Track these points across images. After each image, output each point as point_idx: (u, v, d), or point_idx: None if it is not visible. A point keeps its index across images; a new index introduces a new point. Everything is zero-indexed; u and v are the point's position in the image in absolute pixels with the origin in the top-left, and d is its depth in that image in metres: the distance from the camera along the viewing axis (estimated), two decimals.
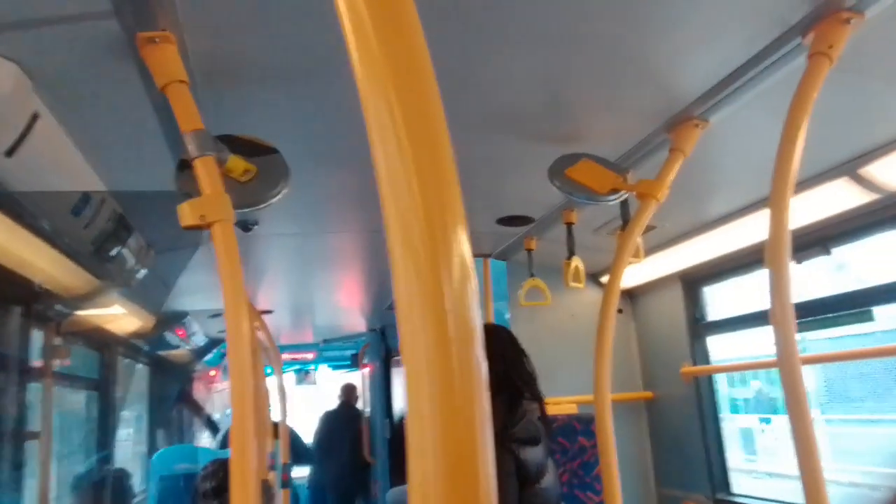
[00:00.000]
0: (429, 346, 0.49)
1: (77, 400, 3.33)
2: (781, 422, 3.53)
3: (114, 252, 2.19)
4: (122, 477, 2.87)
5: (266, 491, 2.90)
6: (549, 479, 2.39)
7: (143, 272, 2.49)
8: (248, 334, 1.34)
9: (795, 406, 1.27)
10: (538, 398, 2.43)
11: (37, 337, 2.46)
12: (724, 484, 3.04)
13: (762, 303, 2.77)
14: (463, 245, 0.49)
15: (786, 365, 1.29)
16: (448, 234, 0.49)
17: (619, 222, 2.11)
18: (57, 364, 2.52)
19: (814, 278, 2.45)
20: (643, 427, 3.43)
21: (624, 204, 2.08)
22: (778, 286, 1.33)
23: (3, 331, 2.24)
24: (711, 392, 3.13)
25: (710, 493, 3.03)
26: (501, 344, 2.53)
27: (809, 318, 2.44)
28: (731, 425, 3.26)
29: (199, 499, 3.17)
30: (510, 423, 2.33)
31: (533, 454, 2.33)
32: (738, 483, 3.10)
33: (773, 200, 1.35)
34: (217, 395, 6.51)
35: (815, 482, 1.23)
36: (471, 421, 0.49)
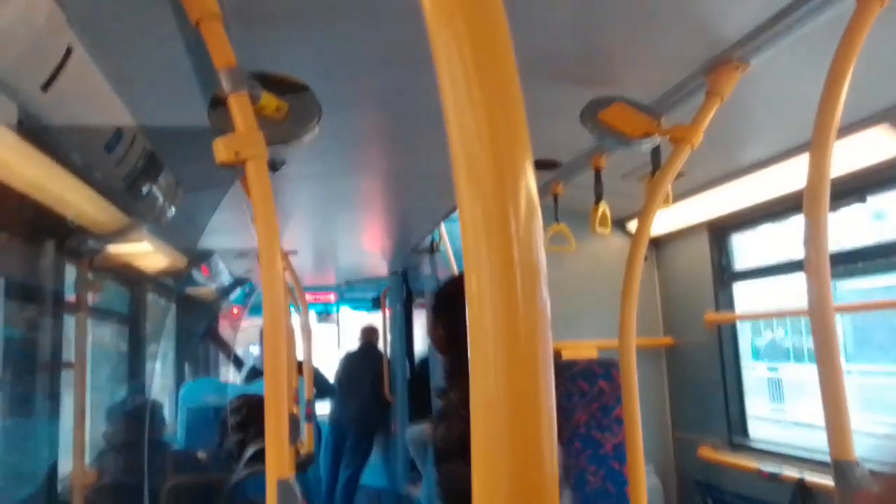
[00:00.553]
0: (494, 281, 0.49)
1: (109, 334, 3.43)
2: (792, 369, 3.54)
3: (145, 190, 2.21)
4: (155, 407, 2.98)
5: (293, 423, 2.99)
6: None
7: (172, 211, 2.51)
8: (282, 272, 1.36)
9: (826, 355, 1.27)
10: None
11: (70, 272, 2.52)
12: (742, 429, 3.08)
13: (790, 251, 2.76)
14: (530, 180, 0.49)
15: (818, 314, 1.29)
16: (516, 168, 0.49)
17: (647, 168, 2.08)
18: (90, 297, 2.58)
19: (849, 227, 2.42)
20: (662, 372, 3.47)
21: (655, 150, 2.05)
22: (815, 234, 1.31)
23: (39, 264, 2.30)
24: (733, 340, 3.14)
25: (727, 437, 3.08)
26: None
27: (841, 267, 2.41)
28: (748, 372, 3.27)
29: (226, 431, 3.29)
30: None
31: None
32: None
33: (815, 146, 1.32)
34: (241, 333, 6.65)
35: (842, 432, 1.24)
36: (534, 354, 0.50)
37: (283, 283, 1.35)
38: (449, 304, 2.70)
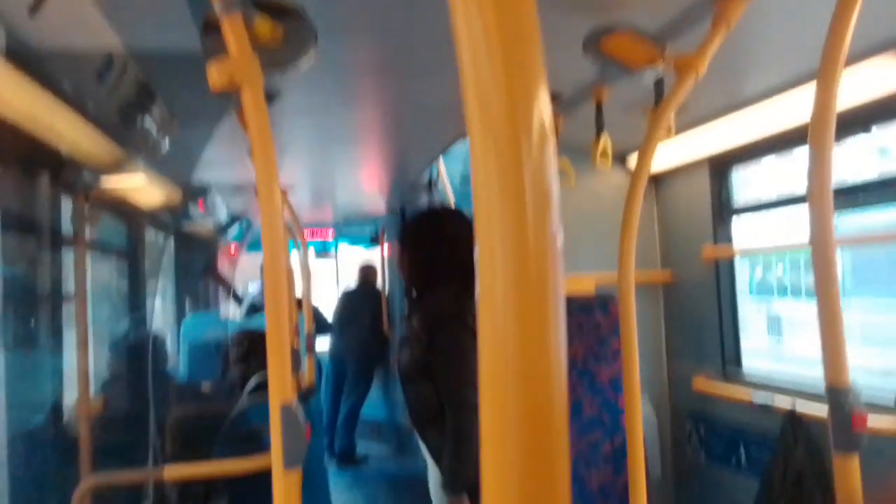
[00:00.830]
0: (504, 215, 0.48)
1: (108, 270, 3.44)
2: (791, 306, 3.58)
3: (138, 120, 2.18)
4: (157, 340, 3.02)
5: (294, 355, 3.04)
6: None
7: (166, 142, 2.48)
8: (280, 202, 1.35)
9: (825, 286, 1.28)
10: None
11: (66, 205, 2.50)
12: (736, 361, 3.14)
13: (791, 187, 2.75)
14: (544, 105, 0.48)
15: (819, 245, 1.29)
16: (529, 94, 0.47)
17: (650, 100, 2.05)
18: (87, 230, 2.57)
19: (851, 161, 2.40)
20: (658, 307, 3.51)
21: (658, 82, 2.01)
22: (819, 165, 1.30)
23: (35, 198, 2.28)
24: (731, 274, 3.17)
25: (721, 369, 3.14)
26: (464, 228, 2.62)
27: (843, 199, 2.41)
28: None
29: (228, 363, 3.34)
30: (462, 299, 2.43)
31: None
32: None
33: (822, 75, 1.30)
34: (239, 270, 6.69)
35: (838, 359, 1.25)
36: (544, 290, 0.49)
37: (282, 214, 1.34)
38: (415, 235, 2.72)
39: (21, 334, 2.37)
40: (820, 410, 2.43)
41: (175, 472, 2.34)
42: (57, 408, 2.56)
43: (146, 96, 2.07)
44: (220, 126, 2.55)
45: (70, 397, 2.60)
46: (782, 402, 2.66)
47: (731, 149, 2.91)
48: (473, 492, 2.52)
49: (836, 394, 1.23)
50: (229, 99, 1.26)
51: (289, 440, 1.24)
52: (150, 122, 2.27)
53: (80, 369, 2.44)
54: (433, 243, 2.66)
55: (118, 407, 2.76)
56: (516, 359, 0.51)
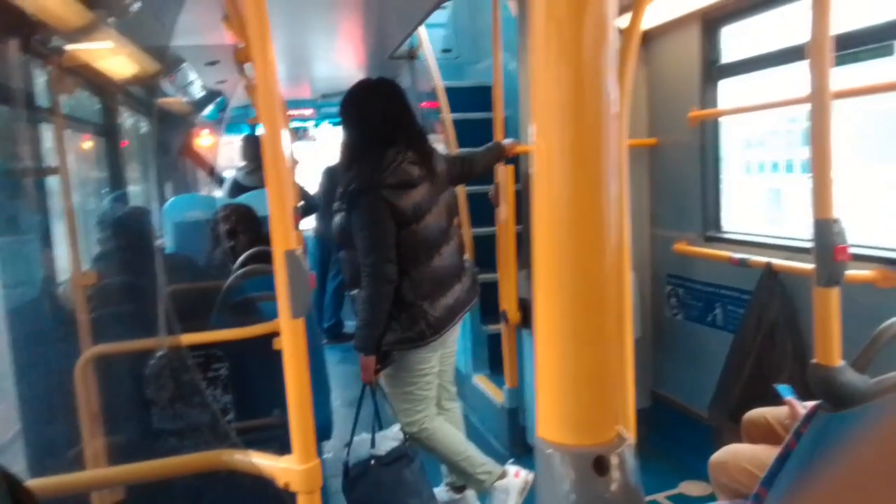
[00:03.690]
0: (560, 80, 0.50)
1: (87, 146, 3.36)
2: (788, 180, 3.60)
3: None
4: (144, 213, 3.00)
5: None
6: (429, 219, 2.60)
7: (137, 5, 2.36)
8: (275, 66, 1.30)
9: (819, 134, 1.30)
10: (417, 147, 2.58)
11: (39, 72, 2.40)
12: (716, 223, 3.21)
13: (781, 42, 2.70)
14: None
15: (817, 102, 1.30)
16: None
17: None
18: (63, 98, 2.49)
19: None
20: (644, 173, 3.53)
21: None
22: (821, 16, 1.29)
23: (4, 64, 2.18)
24: (715, 138, 3.18)
25: (702, 230, 3.22)
26: (380, 100, 2.66)
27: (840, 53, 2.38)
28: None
29: (217, 238, 3.35)
30: (376, 171, 2.50)
31: (408, 198, 2.54)
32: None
33: None
34: (219, 151, 6.55)
35: (825, 193, 1.30)
36: (598, 166, 0.51)
37: (276, 77, 1.30)
38: (341, 111, 2.78)
39: (6, 211, 2.35)
40: (796, 263, 2.53)
41: (177, 341, 2.41)
42: (50, 282, 2.58)
43: None
44: None
45: (62, 274, 2.62)
46: (759, 258, 2.75)
47: (722, 2, 2.84)
48: (384, 354, 2.69)
49: (822, 225, 1.28)
50: None
51: (294, 286, 1.27)
52: None
53: (70, 240, 2.44)
54: (354, 118, 2.72)
55: (111, 280, 2.78)
56: (570, 217, 0.53)
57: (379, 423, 2.74)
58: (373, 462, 2.62)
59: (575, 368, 0.57)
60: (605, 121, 0.52)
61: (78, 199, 2.92)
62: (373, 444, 2.66)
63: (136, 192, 3.84)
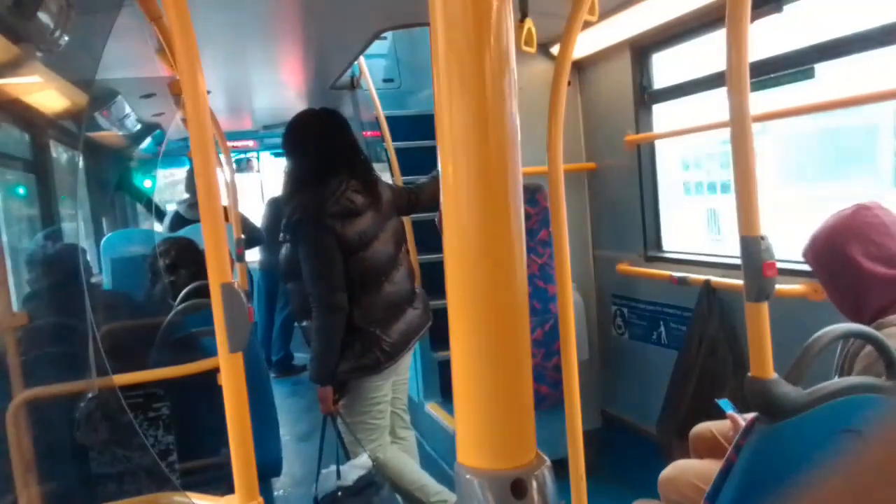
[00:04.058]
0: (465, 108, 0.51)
1: (14, 180, 3.24)
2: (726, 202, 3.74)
3: (33, 12, 2.00)
4: (76, 251, 2.90)
5: None
6: (377, 246, 2.63)
7: (65, 38, 2.30)
8: (206, 94, 1.28)
9: (742, 154, 1.35)
10: (360, 176, 2.62)
11: None
12: (657, 244, 3.29)
13: (709, 68, 2.82)
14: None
15: (737, 122, 1.35)
16: None
17: None
18: None
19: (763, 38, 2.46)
20: (584, 196, 3.61)
21: None
22: (736, 45, 1.34)
23: None
24: (652, 160, 3.27)
25: (643, 251, 3.29)
26: (322, 130, 2.70)
27: (758, 79, 2.49)
28: None
29: (157, 274, 3.26)
30: (319, 200, 2.53)
31: (353, 227, 2.56)
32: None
33: None
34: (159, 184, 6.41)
35: (751, 210, 1.34)
36: (504, 193, 0.52)
37: (208, 109, 1.28)
38: (284, 143, 2.80)
39: None
40: (733, 280, 2.62)
41: (110, 382, 2.32)
42: None
43: None
44: (121, 18, 2.37)
45: None
46: (698, 275, 2.83)
47: (652, 30, 2.94)
48: (339, 384, 2.68)
49: (749, 242, 1.32)
50: None
51: (232, 319, 1.24)
52: (45, 14, 2.09)
53: None
54: (296, 148, 2.74)
55: (44, 321, 2.66)
56: (478, 243, 0.54)
57: (346, 454, 2.70)
58: (339, 494, 2.57)
59: (490, 393, 0.57)
60: (509, 149, 0.53)
61: (5, 238, 2.81)
62: (338, 476, 2.61)
63: (70, 228, 3.70)
